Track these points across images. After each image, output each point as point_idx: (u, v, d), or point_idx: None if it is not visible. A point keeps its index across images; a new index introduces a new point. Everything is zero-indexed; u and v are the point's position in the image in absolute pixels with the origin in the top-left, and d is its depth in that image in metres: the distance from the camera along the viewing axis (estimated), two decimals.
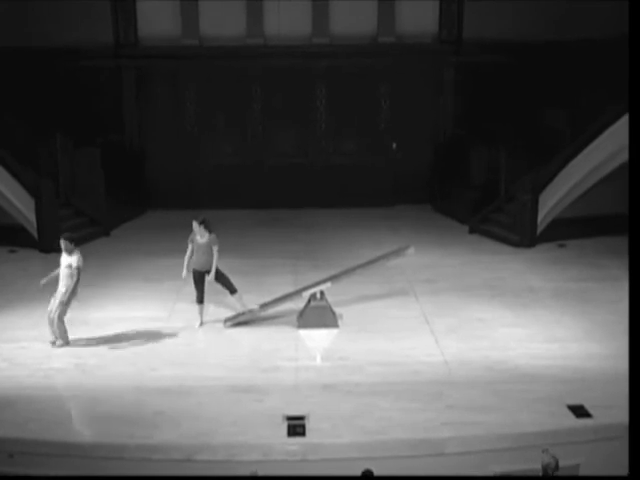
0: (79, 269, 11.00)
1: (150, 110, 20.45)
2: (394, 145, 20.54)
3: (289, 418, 8.88)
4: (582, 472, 8.38)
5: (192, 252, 11.85)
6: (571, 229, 16.32)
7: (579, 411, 8.96)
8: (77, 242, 15.50)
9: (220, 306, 12.46)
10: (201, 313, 11.98)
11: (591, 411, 8.90)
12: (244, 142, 20.63)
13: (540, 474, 7.18)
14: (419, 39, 20.44)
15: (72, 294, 11.02)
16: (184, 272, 11.90)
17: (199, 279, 11.84)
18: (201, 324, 11.95)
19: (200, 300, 11.91)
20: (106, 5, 19.94)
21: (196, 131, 20.58)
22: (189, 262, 11.90)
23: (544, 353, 10.76)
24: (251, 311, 11.99)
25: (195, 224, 11.77)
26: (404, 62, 20.30)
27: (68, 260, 11.05)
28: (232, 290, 11.99)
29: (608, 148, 15.12)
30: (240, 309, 12.06)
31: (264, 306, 12.09)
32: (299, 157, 20.60)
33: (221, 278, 11.87)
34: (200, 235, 11.76)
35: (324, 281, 12.03)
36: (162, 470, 8.28)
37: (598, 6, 18.07)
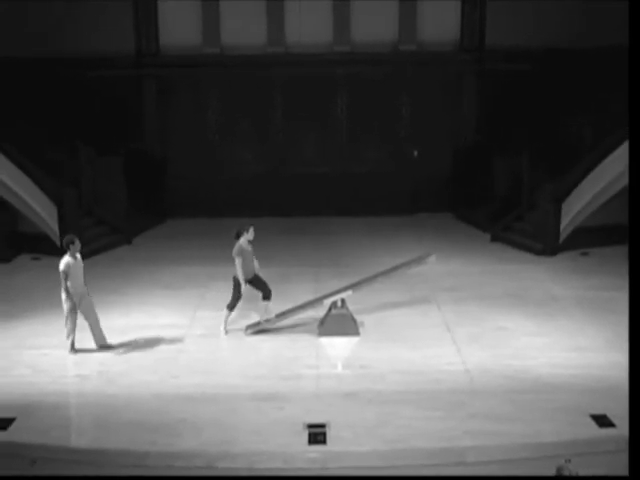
0: (62, 273, 11.06)
1: (171, 119, 20.56)
2: (415, 152, 20.51)
3: (310, 426, 8.88)
4: None
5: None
6: (594, 237, 16.23)
7: (602, 421, 8.89)
8: (99, 250, 15.70)
9: (240, 314, 12.48)
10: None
11: (614, 421, 8.83)
12: (265, 150, 20.69)
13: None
14: (440, 47, 20.43)
15: (69, 299, 11.08)
16: (243, 285, 11.73)
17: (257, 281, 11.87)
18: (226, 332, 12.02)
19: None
20: (128, 15, 20.12)
21: (217, 139, 20.66)
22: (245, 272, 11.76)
23: (566, 362, 10.69)
24: (268, 320, 12.00)
25: (251, 233, 11.73)
26: (425, 70, 20.30)
27: None
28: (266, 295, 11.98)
29: None
30: (262, 316, 12.08)
31: (280, 315, 12.10)
32: (320, 165, 20.60)
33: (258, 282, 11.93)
34: (247, 243, 11.76)
35: (345, 289, 12.04)
36: (184, 477, 8.30)
37: (621, 12, 17.95)
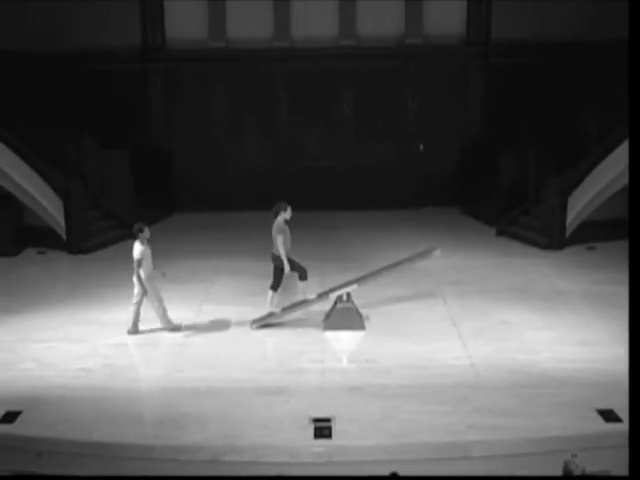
0: (136, 261, 11.32)
1: (177, 113, 20.56)
2: (421, 146, 20.48)
3: (315, 420, 8.89)
4: None
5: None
6: (600, 232, 16.19)
7: (608, 415, 8.88)
8: (105, 244, 15.76)
9: (246, 308, 12.48)
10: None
11: (621, 415, 8.81)
12: (270, 144, 20.68)
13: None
14: (446, 41, 20.37)
15: (140, 285, 11.36)
16: (286, 263, 11.75)
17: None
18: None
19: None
20: (134, 9, 20.11)
21: (223, 133, 20.66)
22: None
23: (572, 357, 10.68)
24: (273, 314, 12.01)
25: (289, 212, 11.77)
26: (431, 64, 20.24)
27: None
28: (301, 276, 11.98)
29: None
30: (301, 297, 12.05)
31: (286, 309, 12.11)
32: (326, 159, 20.58)
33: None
34: (285, 222, 11.80)
35: (350, 283, 12.03)
36: (189, 471, 8.32)
37: (627, 6, 17.86)
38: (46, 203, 16.36)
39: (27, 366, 10.60)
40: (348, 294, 11.84)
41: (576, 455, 7.18)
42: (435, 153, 20.43)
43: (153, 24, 20.34)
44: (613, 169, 15.61)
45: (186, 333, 11.77)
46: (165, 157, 20.40)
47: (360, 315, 11.88)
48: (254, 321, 12.02)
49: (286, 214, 11.82)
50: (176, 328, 11.76)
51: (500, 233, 17.58)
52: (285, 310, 12.12)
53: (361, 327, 11.78)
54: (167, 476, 8.33)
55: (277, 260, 11.82)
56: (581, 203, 16.17)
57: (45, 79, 18.99)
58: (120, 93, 19.89)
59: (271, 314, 12.03)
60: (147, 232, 11.51)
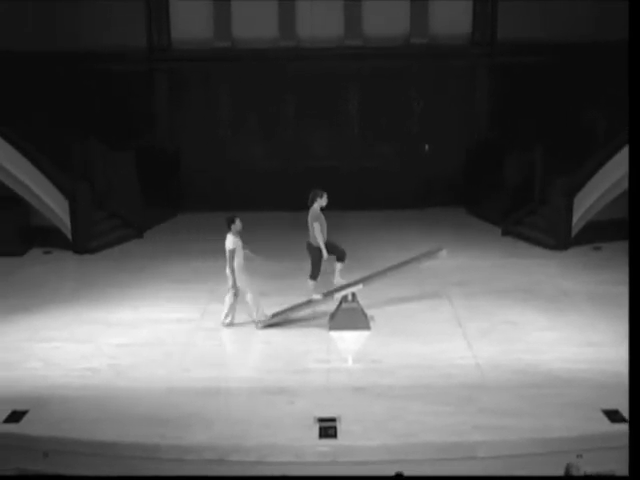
0: (229, 252, 11.42)
1: (182, 113, 20.56)
2: (426, 146, 20.46)
3: (320, 420, 8.90)
4: None
5: None
6: (606, 232, 16.14)
7: (614, 416, 8.87)
8: (110, 243, 15.80)
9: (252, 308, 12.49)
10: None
11: (626, 416, 8.78)
12: (276, 144, 20.66)
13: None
14: (452, 40, 20.32)
15: (233, 277, 11.42)
16: (324, 251, 11.74)
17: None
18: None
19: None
20: (139, 9, 20.09)
21: (228, 134, 20.65)
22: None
23: (578, 357, 10.66)
24: (277, 314, 12.00)
25: (324, 199, 11.78)
26: (437, 64, 20.21)
27: None
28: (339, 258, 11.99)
29: None
30: (336, 279, 12.04)
31: (291, 309, 12.11)
32: (331, 159, 20.54)
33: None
34: (320, 210, 11.80)
35: (356, 283, 12.02)
36: (194, 470, 8.33)
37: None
38: (52, 203, 16.38)
39: (33, 365, 10.63)
40: (353, 294, 11.84)
41: (581, 456, 7.17)
42: (440, 153, 20.39)
43: (158, 24, 20.32)
44: (619, 169, 15.56)
45: (191, 333, 11.77)
46: (170, 157, 20.39)
47: (365, 315, 11.88)
48: (259, 321, 12.03)
49: (322, 201, 11.80)
50: (266, 322, 11.80)
51: (506, 233, 17.54)
52: (290, 310, 12.12)
53: (366, 327, 11.78)
54: (172, 476, 8.34)
55: (312, 250, 11.78)
56: (587, 203, 16.13)
57: (50, 80, 18.98)
58: (125, 93, 19.89)
59: (276, 314, 12.03)
60: (239, 223, 11.57)
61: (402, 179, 20.33)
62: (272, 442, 8.52)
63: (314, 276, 11.96)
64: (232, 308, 11.86)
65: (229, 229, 11.58)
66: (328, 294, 12.17)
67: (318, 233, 11.65)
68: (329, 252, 11.79)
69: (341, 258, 11.95)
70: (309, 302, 12.14)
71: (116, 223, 17.74)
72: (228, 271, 11.58)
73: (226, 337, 11.72)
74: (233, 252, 11.42)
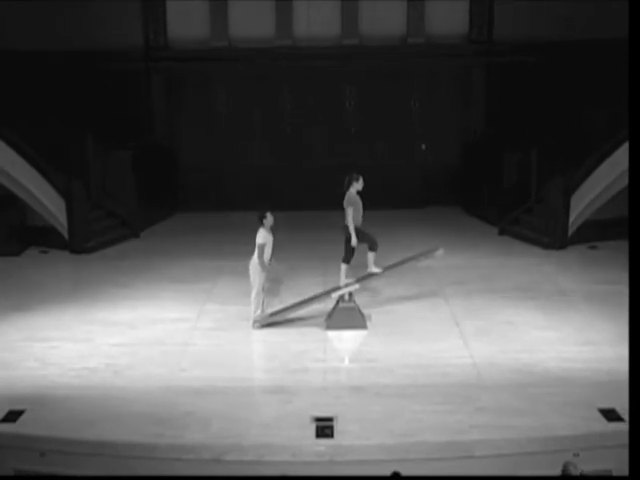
0: (260, 246, 11.34)
1: (180, 112, 20.57)
2: (423, 146, 20.47)
3: (318, 419, 8.89)
4: None
5: None
6: (603, 231, 16.16)
7: (611, 415, 8.87)
8: (107, 243, 15.76)
9: (249, 308, 12.48)
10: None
11: (623, 415, 8.80)
12: (274, 144, 20.66)
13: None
14: (449, 40, 20.36)
15: (261, 271, 11.41)
16: (354, 236, 11.69)
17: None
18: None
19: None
20: (136, 8, 20.12)
21: (226, 133, 20.65)
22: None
23: (575, 356, 10.66)
24: (274, 313, 12.00)
25: (360, 182, 11.66)
26: (434, 63, 20.24)
27: None
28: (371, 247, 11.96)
29: None
30: (369, 267, 12.01)
31: (288, 309, 12.09)
32: (329, 159, 20.55)
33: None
34: (356, 193, 11.70)
35: (353, 282, 12.02)
36: (192, 470, 8.32)
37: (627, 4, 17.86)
38: (49, 203, 16.36)
39: (30, 365, 10.60)
40: (350, 293, 11.84)
41: (578, 454, 7.16)
42: (438, 152, 20.42)
43: (155, 23, 20.34)
44: (615, 168, 15.58)
45: (189, 333, 11.76)
46: (168, 156, 20.39)
47: (362, 314, 11.87)
48: (256, 320, 12.02)
49: (358, 184, 11.70)
50: (261, 321, 11.78)
51: (503, 232, 17.56)
52: (287, 309, 12.12)
53: (363, 326, 11.78)
54: (170, 475, 8.33)
55: (348, 232, 11.73)
56: (584, 202, 16.14)
57: (47, 79, 18.97)
58: (122, 93, 19.88)
59: (273, 313, 12.02)
60: (270, 219, 11.46)
61: (400, 178, 20.33)
62: (269, 441, 8.51)
63: (346, 260, 11.93)
64: (262, 304, 11.80)
65: (261, 224, 11.46)
66: (325, 293, 12.16)
67: (350, 219, 11.58)
68: (360, 240, 11.73)
69: (372, 247, 11.88)
70: (308, 301, 12.14)
71: (113, 223, 17.73)
72: (251, 268, 11.50)
73: (223, 337, 11.69)
74: (262, 247, 11.35)
